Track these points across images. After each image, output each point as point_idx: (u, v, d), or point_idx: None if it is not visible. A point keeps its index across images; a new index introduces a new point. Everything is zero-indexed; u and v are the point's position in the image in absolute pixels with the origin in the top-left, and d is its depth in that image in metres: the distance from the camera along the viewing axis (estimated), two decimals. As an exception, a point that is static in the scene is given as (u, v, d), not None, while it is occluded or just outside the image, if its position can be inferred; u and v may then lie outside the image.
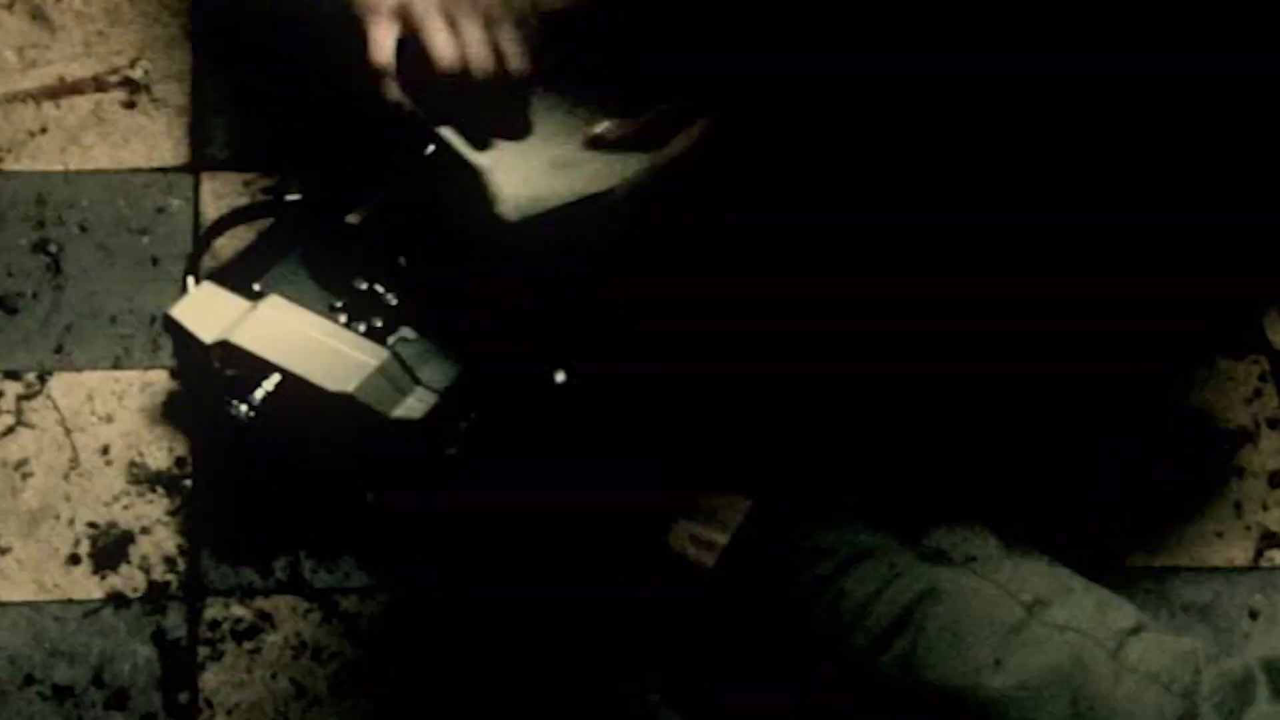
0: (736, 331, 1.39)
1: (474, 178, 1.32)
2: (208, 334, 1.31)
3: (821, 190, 1.42)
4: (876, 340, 1.38)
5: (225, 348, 1.30)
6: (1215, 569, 1.34)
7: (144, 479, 1.35)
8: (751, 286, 1.40)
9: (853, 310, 1.38)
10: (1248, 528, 1.36)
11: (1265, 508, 1.37)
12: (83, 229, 1.47)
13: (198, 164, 1.52)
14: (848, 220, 1.42)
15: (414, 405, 1.30)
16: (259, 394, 1.29)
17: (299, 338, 1.31)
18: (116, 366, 1.40)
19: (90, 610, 1.29)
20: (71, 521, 1.33)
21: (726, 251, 1.40)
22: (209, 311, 1.33)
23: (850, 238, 1.42)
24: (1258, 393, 1.43)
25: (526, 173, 1.33)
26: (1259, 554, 1.35)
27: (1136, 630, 1.18)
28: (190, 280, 1.37)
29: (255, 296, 1.33)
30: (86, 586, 1.30)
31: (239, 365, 1.30)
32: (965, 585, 1.18)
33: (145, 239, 1.47)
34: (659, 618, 1.27)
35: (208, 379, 1.32)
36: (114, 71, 1.57)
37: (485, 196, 1.31)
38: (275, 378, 1.29)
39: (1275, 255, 1.48)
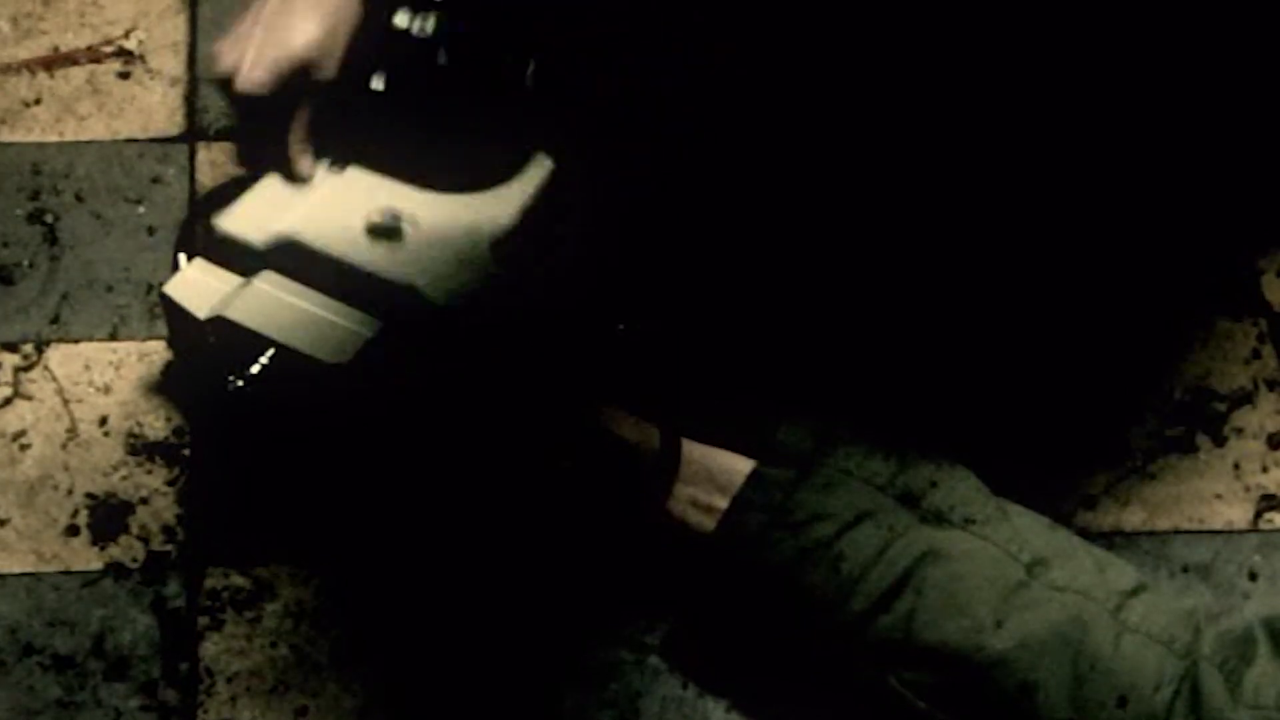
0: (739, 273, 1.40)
1: (409, 294, 1.31)
2: (202, 310, 1.31)
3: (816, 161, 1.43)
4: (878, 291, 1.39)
5: (220, 323, 1.30)
6: (1215, 530, 1.34)
7: (142, 449, 1.35)
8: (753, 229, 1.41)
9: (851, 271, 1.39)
10: (1247, 489, 1.36)
11: (1264, 469, 1.37)
12: (78, 199, 1.47)
13: (193, 134, 1.51)
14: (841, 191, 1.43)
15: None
16: (255, 368, 1.29)
17: (294, 311, 1.31)
18: (113, 337, 1.40)
19: (89, 580, 1.29)
20: (70, 492, 1.33)
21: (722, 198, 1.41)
22: (203, 287, 1.33)
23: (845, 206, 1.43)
24: (1256, 354, 1.43)
25: (444, 271, 1.33)
26: (1258, 515, 1.35)
27: (1137, 591, 1.18)
28: (181, 257, 1.36)
29: (249, 272, 1.33)
30: (86, 557, 1.30)
31: (234, 340, 1.30)
32: (965, 546, 1.18)
33: (141, 209, 1.46)
34: (658, 582, 1.28)
35: (203, 355, 1.32)
36: (109, 41, 1.57)
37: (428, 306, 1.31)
38: (271, 351, 1.29)
39: (1268, 211, 1.48)
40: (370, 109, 1.37)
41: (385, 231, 1.33)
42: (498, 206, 1.36)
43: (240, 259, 1.33)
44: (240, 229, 1.34)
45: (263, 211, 1.35)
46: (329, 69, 1.32)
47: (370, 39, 1.34)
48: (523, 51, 1.39)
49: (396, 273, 1.31)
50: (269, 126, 1.34)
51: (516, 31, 1.40)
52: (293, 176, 1.35)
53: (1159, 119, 1.50)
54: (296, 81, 1.31)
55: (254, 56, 1.30)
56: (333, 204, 1.36)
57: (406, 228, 1.34)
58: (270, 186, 1.37)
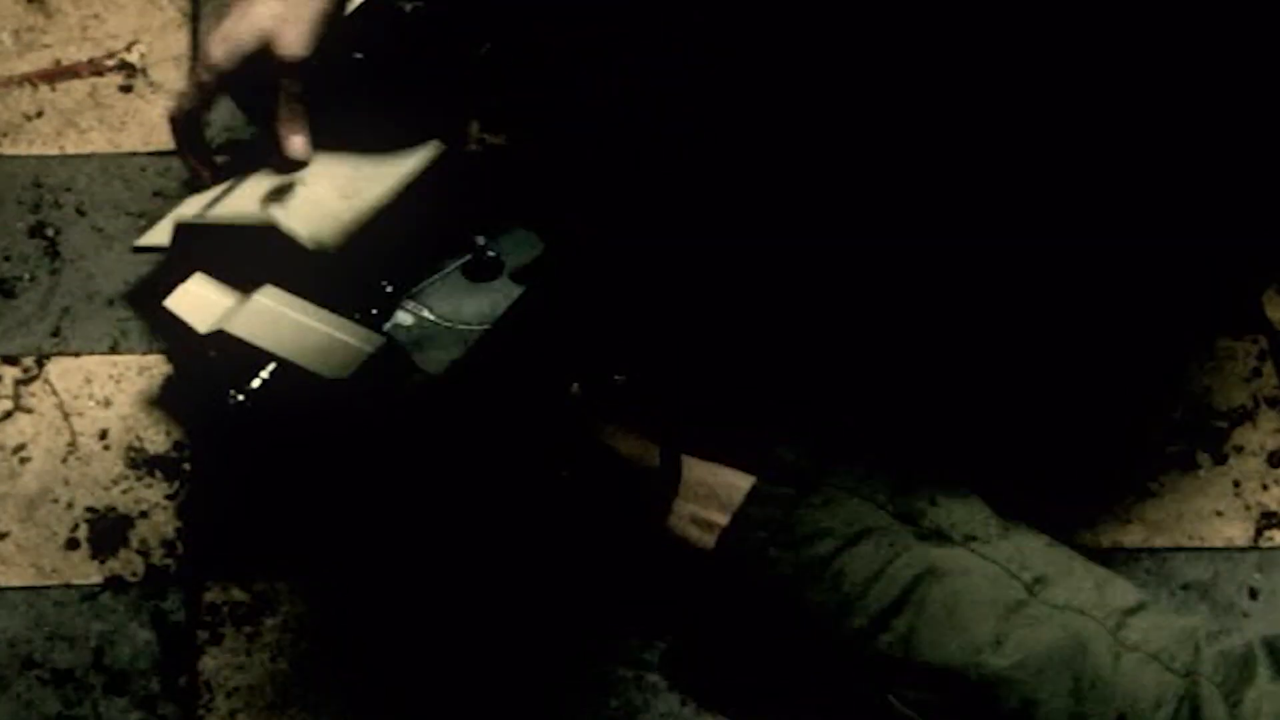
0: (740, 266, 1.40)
1: (269, 232, 1.33)
2: (203, 324, 1.31)
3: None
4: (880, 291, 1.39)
5: (220, 337, 1.30)
6: (1215, 548, 1.34)
7: (142, 463, 1.35)
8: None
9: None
10: (1247, 507, 1.36)
11: (1265, 487, 1.37)
12: (80, 212, 1.47)
13: (194, 147, 1.51)
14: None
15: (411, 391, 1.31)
16: (255, 383, 1.29)
17: (294, 325, 1.31)
18: (114, 350, 1.40)
19: (89, 594, 1.29)
20: (70, 505, 1.33)
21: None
22: (203, 302, 1.33)
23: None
24: (1257, 372, 1.43)
25: (321, 212, 1.35)
26: (1259, 533, 1.35)
27: (1137, 609, 1.18)
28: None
29: (249, 287, 1.34)
30: (85, 570, 1.30)
31: (235, 354, 1.30)
32: (965, 564, 1.18)
33: (142, 222, 1.46)
34: (658, 598, 1.27)
35: (204, 369, 1.32)
36: (110, 55, 1.57)
37: (288, 243, 1.33)
38: (271, 366, 1.29)
39: (1269, 230, 1.48)
40: (349, 79, 1.38)
41: (278, 193, 1.35)
42: (382, 171, 1.39)
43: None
44: (152, 238, 1.37)
45: (174, 217, 1.37)
46: (292, 43, 1.31)
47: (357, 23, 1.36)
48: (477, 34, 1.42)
49: (273, 220, 1.33)
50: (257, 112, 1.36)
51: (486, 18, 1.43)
52: (283, 159, 1.35)
53: (1160, 134, 1.50)
54: (262, 60, 1.31)
55: (214, 37, 1.32)
56: (236, 193, 1.38)
57: (299, 188, 1.35)
58: (189, 203, 1.39)
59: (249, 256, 1.34)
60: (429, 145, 1.40)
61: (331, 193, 1.36)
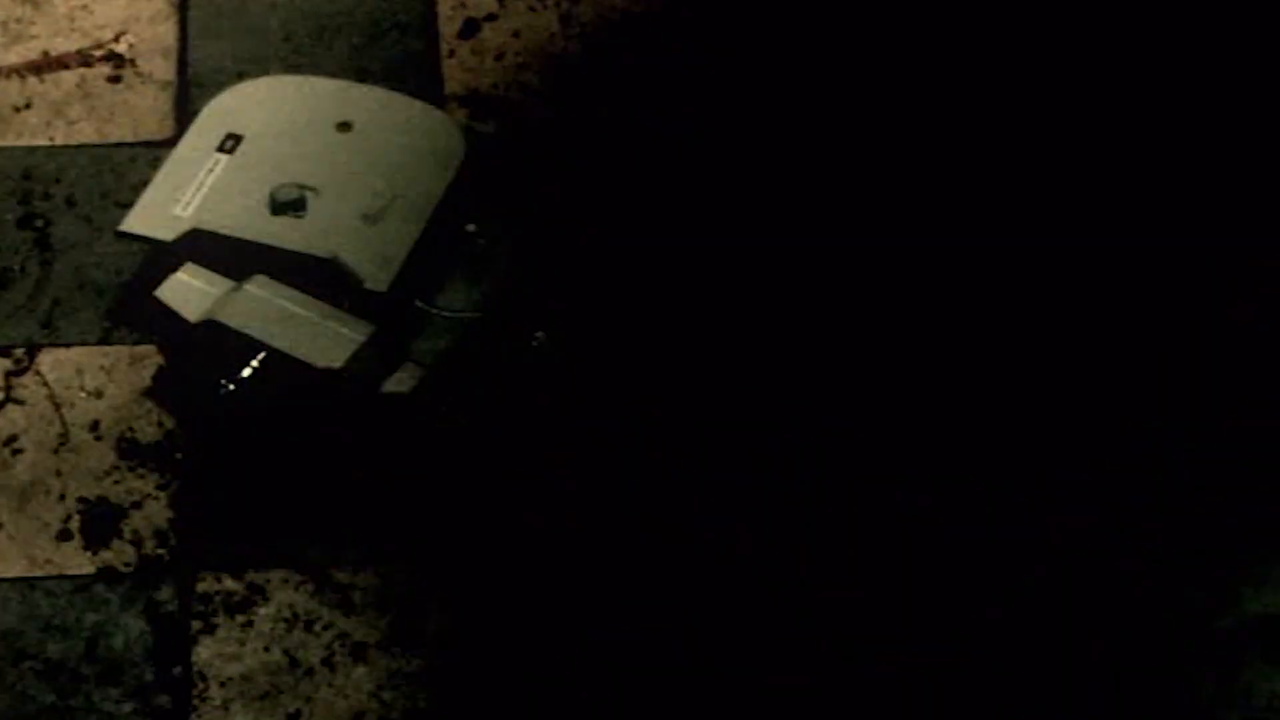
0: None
1: (328, 267, 1.34)
2: (194, 314, 1.31)
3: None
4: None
5: (212, 327, 1.30)
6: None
7: (134, 453, 1.35)
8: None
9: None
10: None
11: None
12: (69, 203, 1.47)
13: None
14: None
15: (403, 379, 1.30)
16: (246, 372, 1.29)
17: (285, 315, 1.31)
18: (105, 341, 1.40)
19: (82, 585, 1.29)
20: (62, 497, 1.32)
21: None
22: (194, 291, 1.33)
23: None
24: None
25: (359, 239, 1.35)
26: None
27: None
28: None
29: (240, 276, 1.34)
30: (78, 561, 1.30)
31: (225, 344, 1.30)
32: None
33: (132, 213, 1.46)
34: (655, 579, 1.27)
35: (194, 359, 1.32)
36: (99, 46, 1.56)
37: (349, 280, 1.34)
38: (262, 355, 1.29)
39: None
40: None
41: (288, 205, 1.35)
42: (411, 187, 1.39)
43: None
44: (145, 227, 1.36)
45: (164, 205, 1.37)
46: None
47: None
48: None
49: (310, 246, 1.32)
50: None
51: None
52: None
53: (1158, 121, 1.51)
54: None
55: None
56: (231, 185, 1.37)
57: (309, 197, 1.35)
58: (166, 179, 1.39)
59: (253, 262, 1.34)
60: (453, 149, 1.41)
61: (349, 207, 1.36)
